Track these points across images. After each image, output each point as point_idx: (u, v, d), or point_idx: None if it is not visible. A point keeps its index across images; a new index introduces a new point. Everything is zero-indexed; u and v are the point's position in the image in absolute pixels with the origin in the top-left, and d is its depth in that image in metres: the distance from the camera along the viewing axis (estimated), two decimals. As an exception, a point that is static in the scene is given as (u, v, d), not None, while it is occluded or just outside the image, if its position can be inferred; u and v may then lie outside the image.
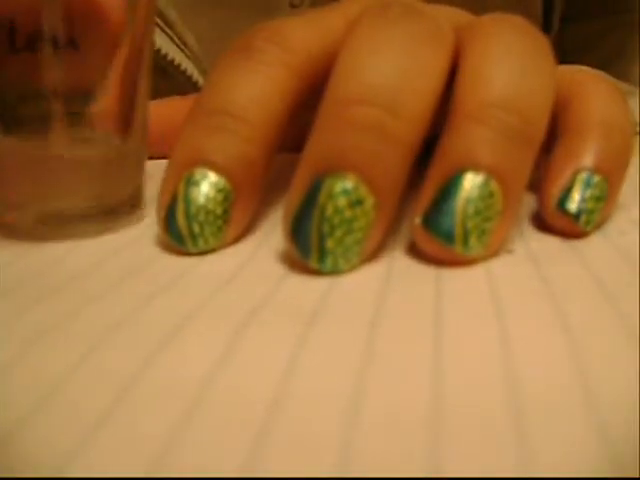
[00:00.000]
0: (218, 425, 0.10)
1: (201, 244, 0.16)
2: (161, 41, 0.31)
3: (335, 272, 0.15)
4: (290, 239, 0.15)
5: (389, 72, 0.16)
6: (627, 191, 0.20)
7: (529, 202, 0.19)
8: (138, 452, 0.09)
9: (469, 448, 0.09)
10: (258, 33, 0.18)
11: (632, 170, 0.22)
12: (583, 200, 0.17)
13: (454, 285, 0.14)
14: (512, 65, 0.16)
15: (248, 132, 0.17)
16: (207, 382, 0.11)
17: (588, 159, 0.17)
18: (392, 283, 0.14)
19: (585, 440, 0.09)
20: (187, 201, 0.16)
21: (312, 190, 0.15)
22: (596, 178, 0.17)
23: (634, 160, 0.23)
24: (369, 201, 0.15)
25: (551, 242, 0.17)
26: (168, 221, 0.16)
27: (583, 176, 0.17)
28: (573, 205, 0.17)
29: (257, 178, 0.17)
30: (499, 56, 0.16)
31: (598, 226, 0.18)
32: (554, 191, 0.17)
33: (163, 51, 0.32)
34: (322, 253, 0.15)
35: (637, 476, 0.08)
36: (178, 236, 0.16)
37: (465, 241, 0.15)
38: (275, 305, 0.14)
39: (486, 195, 0.15)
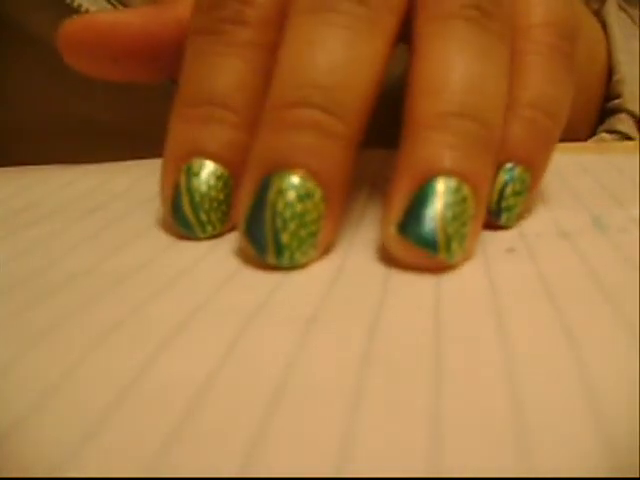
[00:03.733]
0: (218, 426, 0.10)
1: (209, 230, 0.17)
2: None
3: (293, 266, 0.15)
4: (245, 238, 0.15)
5: (324, 69, 0.16)
6: (627, 190, 0.20)
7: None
8: (138, 452, 0.09)
9: (469, 448, 0.09)
10: (214, 12, 0.18)
11: (632, 169, 0.23)
12: (502, 199, 0.17)
13: (454, 284, 0.14)
14: (466, 68, 0.16)
15: (234, 118, 0.17)
16: (207, 383, 0.11)
17: (508, 151, 0.17)
18: (392, 283, 0.14)
19: (585, 440, 0.09)
20: (191, 191, 0.17)
21: (262, 188, 0.15)
22: (516, 171, 0.17)
23: (634, 158, 0.24)
24: (318, 194, 0.15)
25: (551, 240, 0.17)
26: (175, 213, 0.17)
27: (500, 173, 0.17)
28: (491, 205, 0.17)
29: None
30: (452, 57, 0.16)
31: (519, 219, 0.18)
32: None
33: None
34: (279, 248, 0.15)
35: (637, 476, 0.08)
36: (187, 225, 0.17)
37: (448, 247, 0.15)
38: (274, 306, 0.14)
39: (460, 200, 0.15)
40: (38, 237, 0.19)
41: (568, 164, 0.23)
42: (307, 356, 0.11)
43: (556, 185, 0.21)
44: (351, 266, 0.15)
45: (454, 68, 0.16)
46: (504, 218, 0.17)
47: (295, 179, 0.15)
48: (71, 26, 0.22)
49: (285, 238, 0.15)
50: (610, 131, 0.31)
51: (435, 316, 0.13)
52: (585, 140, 0.31)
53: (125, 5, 0.31)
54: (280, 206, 0.15)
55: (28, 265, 0.16)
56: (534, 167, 0.17)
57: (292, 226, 0.15)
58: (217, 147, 0.17)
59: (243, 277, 0.15)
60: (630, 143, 0.30)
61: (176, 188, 0.17)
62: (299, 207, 0.15)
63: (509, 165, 0.17)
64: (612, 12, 0.32)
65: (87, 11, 0.29)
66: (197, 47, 0.18)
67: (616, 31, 0.32)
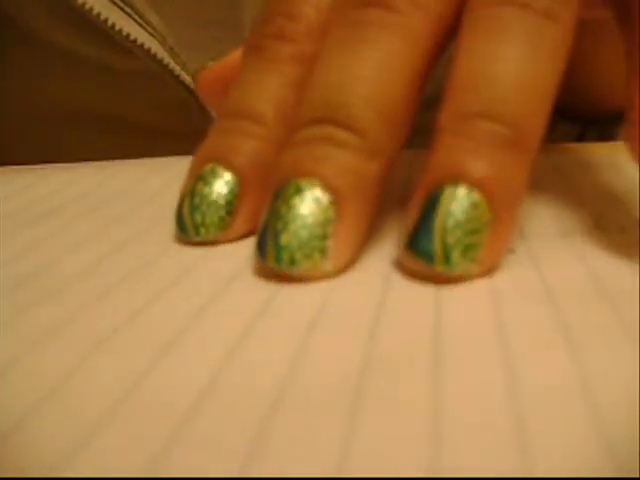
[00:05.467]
0: (219, 426, 0.10)
1: (202, 232, 0.17)
2: (122, 21, 0.31)
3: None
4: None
5: (336, 87, 0.15)
6: (627, 190, 0.20)
7: (528, 200, 0.19)
8: (137, 453, 0.09)
9: (469, 449, 0.09)
10: (262, 29, 0.18)
11: (632, 169, 0.23)
12: None
13: (454, 285, 0.14)
14: (505, 59, 0.15)
15: (259, 131, 0.17)
16: (208, 386, 0.11)
17: None
18: (392, 284, 0.14)
19: (585, 440, 0.09)
20: (192, 194, 0.17)
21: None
22: None
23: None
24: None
25: (552, 241, 0.17)
26: (177, 215, 0.17)
27: None
28: None
29: (269, 174, 0.17)
30: (485, 50, 0.15)
31: None
32: None
33: (124, 31, 0.31)
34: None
35: (637, 476, 0.08)
36: (183, 226, 0.17)
37: (447, 258, 0.14)
38: (275, 310, 0.14)
39: (467, 207, 0.14)
40: (38, 237, 0.19)
41: (568, 164, 0.23)
42: (307, 357, 0.11)
43: (557, 185, 0.21)
44: (351, 267, 0.15)
45: (483, 62, 0.15)
46: None
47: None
48: (208, 77, 0.22)
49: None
50: None
51: (435, 317, 0.13)
52: None
53: (126, 1, 0.31)
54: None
55: (28, 265, 0.16)
56: None
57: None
58: (232, 155, 0.17)
59: (246, 280, 0.15)
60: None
61: (184, 193, 0.17)
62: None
63: None
64: None
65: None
66: (244, 63, 0.19)
67: None
